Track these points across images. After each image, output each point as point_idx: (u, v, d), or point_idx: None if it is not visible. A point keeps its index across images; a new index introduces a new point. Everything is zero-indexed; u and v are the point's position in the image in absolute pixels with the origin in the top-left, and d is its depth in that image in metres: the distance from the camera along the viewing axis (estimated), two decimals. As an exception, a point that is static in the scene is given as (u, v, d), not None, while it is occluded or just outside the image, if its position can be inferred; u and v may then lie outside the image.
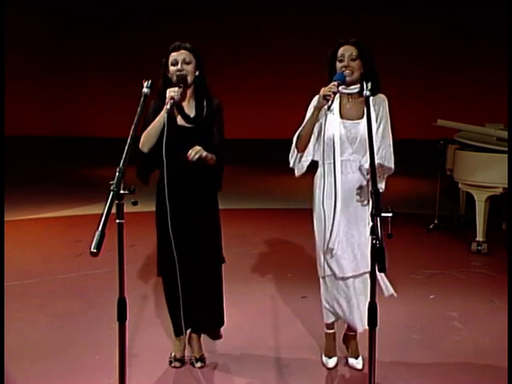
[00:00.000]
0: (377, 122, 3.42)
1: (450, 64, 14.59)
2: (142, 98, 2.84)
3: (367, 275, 3.40)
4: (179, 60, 3.35)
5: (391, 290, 3.56)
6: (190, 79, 3.37)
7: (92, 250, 2.31)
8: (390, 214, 2.53)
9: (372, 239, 2.48)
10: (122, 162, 2.54)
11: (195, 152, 3.26)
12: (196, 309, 3.50)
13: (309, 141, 3.44)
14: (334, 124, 3.40)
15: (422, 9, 14.20)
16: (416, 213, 7.86)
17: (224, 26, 14.62)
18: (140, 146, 3.31)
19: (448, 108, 13.33)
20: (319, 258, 3.54)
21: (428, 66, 14.66)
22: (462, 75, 14.57)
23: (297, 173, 3.55)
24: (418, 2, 14.21)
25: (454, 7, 14.07)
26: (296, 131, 3.46)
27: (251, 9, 14.65)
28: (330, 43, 3.49)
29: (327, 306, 3.59)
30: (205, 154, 3.29)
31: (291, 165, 3.53)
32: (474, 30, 14.25)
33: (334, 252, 3.44)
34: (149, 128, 3.30)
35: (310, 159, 3.50)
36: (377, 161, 3.29)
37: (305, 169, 3.51)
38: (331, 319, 3.63)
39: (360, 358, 3.61)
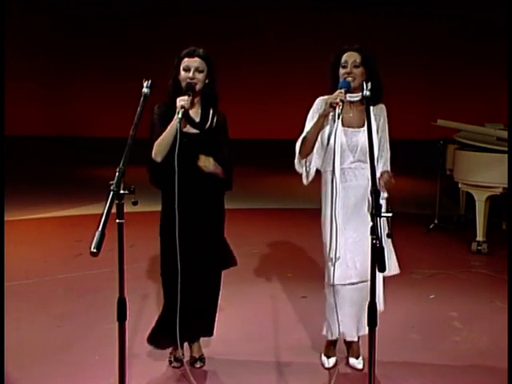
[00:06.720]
0: (377, 132, 3.39)
1: (450, 64, 14.59)
2: (142, 98, 2.84)
3: (362, 284, 3.39)
4: (192, 67, 3.29)
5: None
6: (199, 87, 3.32)
7: (92, 249, 2.31)
8: (390, 214, 2.53)
9: (372, 239, 2.48)
10: (121, 161, 2.54)
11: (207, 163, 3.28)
12: (190, 319, 3.43)
13: (313, 147, 3.38)
14: (335, 132, 3.32)
15: (422, 9, 14.21)
16: (416, 213, 7.86)
17: (224, 26, 14.62)
18: (153, 156, 3.27)
19: (448, 108, 13.33)
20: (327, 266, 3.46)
21: (428, 65, 14.66)
22: (463, 75, 14.57)
23: (305, 181, 3.50)
24: (418, 2, 14.21)
25: (455, 7, 14.07)
26: (299, 136, 3.41)
27: (251, 9, 14.65)
28: (331, 44, 3.46)
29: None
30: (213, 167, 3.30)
31: (300, 172, 3.49)
32: (474, 29, 14.25)
33: (335, 258, 3.37)
34: (160, 138, 3.25)
35: (315, 168, 3.46)
36: (381, 168, 3.35)
37: (312, 176, 3.46)
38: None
39: (360, 358, 3.61)
